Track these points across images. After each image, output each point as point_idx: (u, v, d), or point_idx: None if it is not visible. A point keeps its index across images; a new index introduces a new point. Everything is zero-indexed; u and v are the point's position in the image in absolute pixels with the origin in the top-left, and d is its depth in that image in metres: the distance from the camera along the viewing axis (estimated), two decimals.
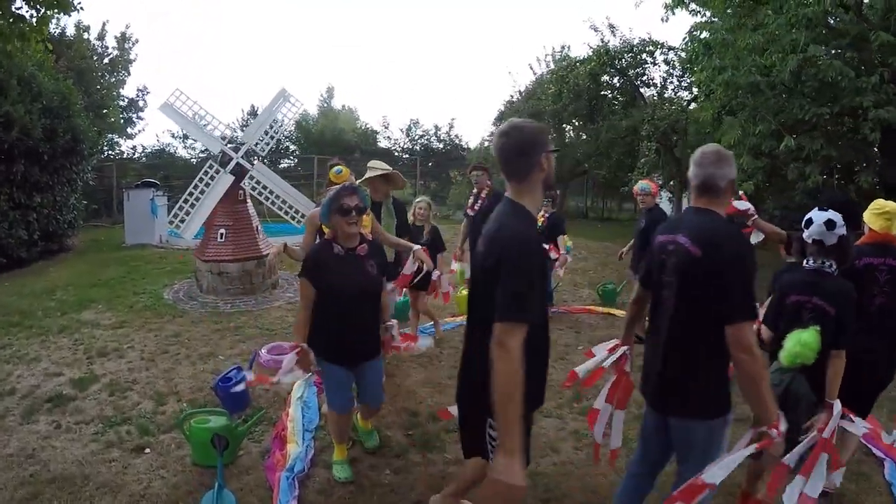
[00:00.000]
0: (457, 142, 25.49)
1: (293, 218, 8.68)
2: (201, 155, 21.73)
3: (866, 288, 3.29)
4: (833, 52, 8.24)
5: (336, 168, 4.59)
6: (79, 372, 5.32)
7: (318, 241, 4.00)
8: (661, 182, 14.99)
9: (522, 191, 2.33)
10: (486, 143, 20.58)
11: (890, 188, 8.96)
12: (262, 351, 5.73)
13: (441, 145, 25.12)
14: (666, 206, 21.74)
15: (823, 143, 8.57)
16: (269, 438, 4.20)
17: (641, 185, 6.34)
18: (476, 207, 6.45)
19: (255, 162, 8.24)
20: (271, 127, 8.46)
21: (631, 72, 14.84)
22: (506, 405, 2.06)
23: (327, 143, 22.75)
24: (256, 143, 8.32)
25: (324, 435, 4.29)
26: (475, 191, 6.68)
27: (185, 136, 21.80)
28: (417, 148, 24.68)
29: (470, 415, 2.56)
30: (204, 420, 3.88)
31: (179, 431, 3.90)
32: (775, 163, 9.48)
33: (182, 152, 22.75)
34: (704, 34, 9.63)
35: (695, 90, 13.82)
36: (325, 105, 29.14)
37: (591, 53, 14.56)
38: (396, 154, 24.80)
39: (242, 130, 8.38)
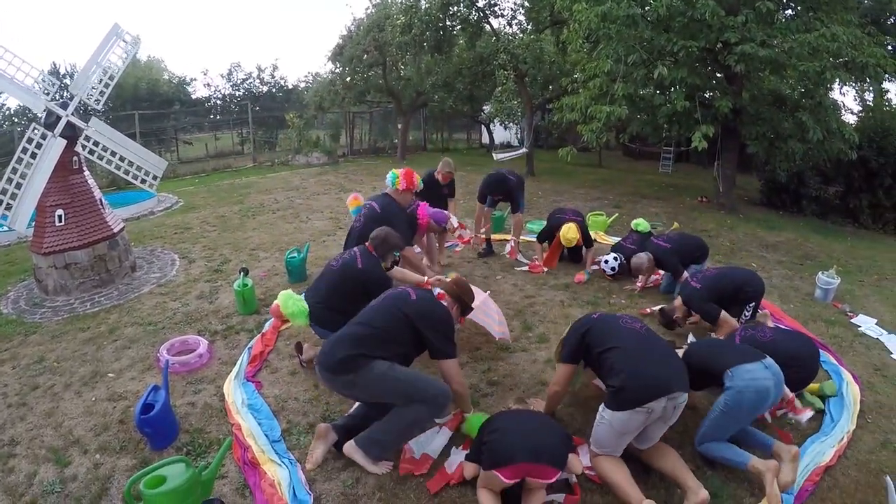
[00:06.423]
0: (282, 83, 23.80)
1: (144, 182, 7.07)
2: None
3: None
4: None
5: None
6: None
7: None
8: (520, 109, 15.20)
9: None
10: (325, 78, 19.18)
11: (738, 111, 10.01)
12: (163, 353, 4.58)
13: (265, 88, 23.18)
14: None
15: (687, 72, 9.16)
16: (236, 469, 3.35)
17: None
18: None
19: (92, 119, 6.47)
20: (105, 72, 6.60)
21: (481, 2, 14.32)
22: None
23: (143, 97, 20.05)
24: (89, 95, 6.45)
25: (295, 441, 3.55)
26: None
27: None
28: (240, 93, 22.49)
29: None
30: (158, 480, 2.83)
31: None
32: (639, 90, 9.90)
33: None
34: None
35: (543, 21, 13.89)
36: (133, 57, 25.25)
37: None
38: (218, 102, 22.66)
39: (46, 94, 6.41)
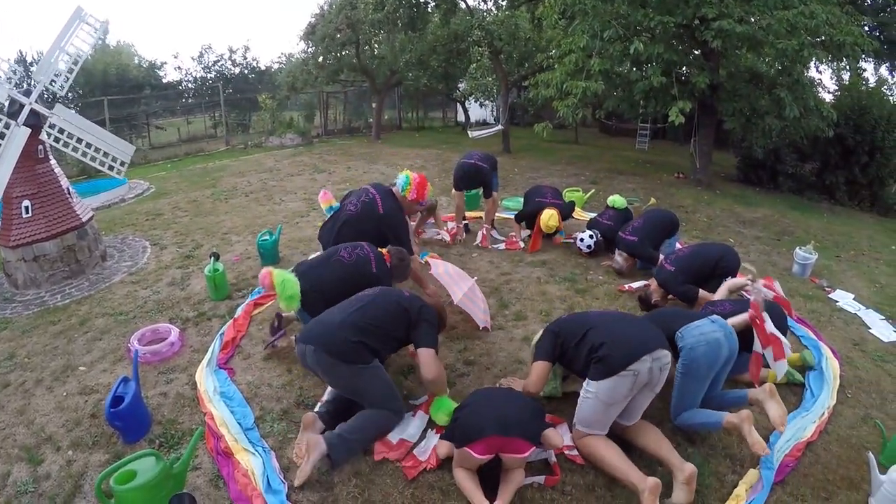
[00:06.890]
0: (254, 64, 23.34)
1: (111, 168, 6.84)
2: None
3: None
4: None
5: None
6: None
7: None
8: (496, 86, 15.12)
9: None
10: (297, 58, 18.91)
11: (715, 87, 10.02)
12: (135, 343, 4.48)
13: (237, 70, 22.72)
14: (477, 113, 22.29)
15: (664, 48, 9.08)
16: (210, 459, 3.30)
17: None
18: None
19: (56, 105, 6.26)
20: (70, 57, 6.31)
21: None
22: None
23: (112, 82, 19.47)
24: (52, 81, 6.23)
25: (268, 429, 3.51)
26: None
27: None
28: (212, 75, 22.00)
29: None
30: (129, 475, 2.78)
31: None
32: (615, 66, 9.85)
33: None
34: None
35: None
36: (100, 42, 24.56)
37: None
38: (190, 85, 22.17)
39: (9, 82, 6.19)
